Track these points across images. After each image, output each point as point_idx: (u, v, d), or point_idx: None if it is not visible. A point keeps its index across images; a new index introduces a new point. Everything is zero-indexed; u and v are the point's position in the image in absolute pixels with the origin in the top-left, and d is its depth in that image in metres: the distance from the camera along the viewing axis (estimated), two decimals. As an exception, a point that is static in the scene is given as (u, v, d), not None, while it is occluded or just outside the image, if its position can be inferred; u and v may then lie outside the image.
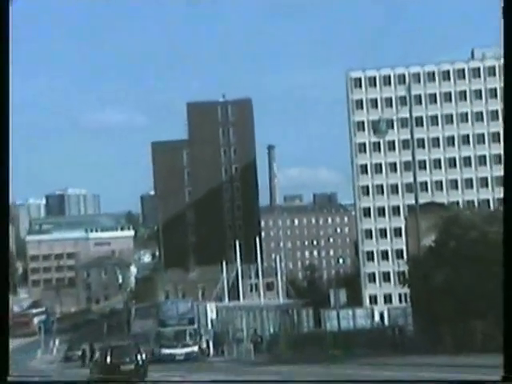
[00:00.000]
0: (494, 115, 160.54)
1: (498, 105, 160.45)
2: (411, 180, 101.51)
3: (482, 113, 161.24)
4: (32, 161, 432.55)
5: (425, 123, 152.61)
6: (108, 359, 50.86)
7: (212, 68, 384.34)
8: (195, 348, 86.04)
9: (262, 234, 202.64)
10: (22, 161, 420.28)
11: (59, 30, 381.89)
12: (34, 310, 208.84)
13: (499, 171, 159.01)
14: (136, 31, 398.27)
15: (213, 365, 74.15)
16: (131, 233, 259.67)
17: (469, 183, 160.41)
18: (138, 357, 51.00)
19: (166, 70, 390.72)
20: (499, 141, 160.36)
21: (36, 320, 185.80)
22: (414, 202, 76.34)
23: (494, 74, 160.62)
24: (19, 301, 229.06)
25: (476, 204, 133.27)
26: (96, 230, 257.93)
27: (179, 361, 79.02)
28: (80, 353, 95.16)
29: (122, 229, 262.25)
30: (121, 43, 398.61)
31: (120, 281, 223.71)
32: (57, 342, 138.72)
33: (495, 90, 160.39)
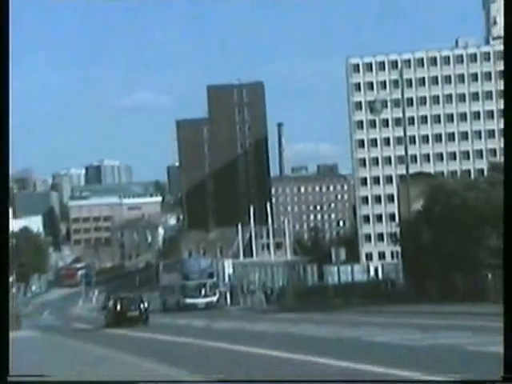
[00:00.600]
0: (475, 97, 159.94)
1: (478, 88, 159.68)
2: (403, 153, 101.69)
3: (464, 95, 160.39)
4: (73, 135, 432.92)
5: (415, 103, 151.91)
6: (118, 307, 56.23)
7: (225, 54, 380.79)
8: (214, 298, 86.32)
9: (273, 200, 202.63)
10: (63, 135, 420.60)
11: (95, 25, 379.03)
12: (78, 265, 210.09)
13: (480, 145, 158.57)
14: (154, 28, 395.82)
15: (229, 313, 74.38)
16: (159, 199, 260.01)
17: (452, 156, 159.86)
18: (141, 306, 56.53)
19: (184, 56, 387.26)
20: (479, 118, 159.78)
21: (79, 273, 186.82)
22: (405, 172, 76.21)
23: (476, 60, 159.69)
24: (63, 257, 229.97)
25: (459, 174, 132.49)
26: (128, 197, 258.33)
27: (200, 309, 79.25)
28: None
29: (151, 195, 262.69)
30: (149, 37, 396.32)
31: (149, 240, 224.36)
32: (96, 293, 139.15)
33: (476, 74, 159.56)
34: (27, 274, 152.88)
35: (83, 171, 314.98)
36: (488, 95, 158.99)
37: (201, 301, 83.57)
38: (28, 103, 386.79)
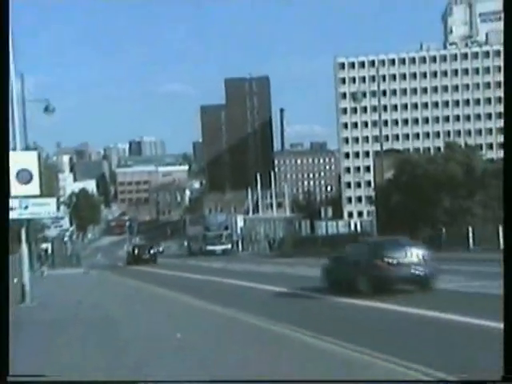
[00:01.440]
0: (435, 90, 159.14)
1: (438, 82, 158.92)
2: (377, 133, 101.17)
3: (426, 88, 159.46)
4: (120, 116, 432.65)
5: (388, 94, 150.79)
6: (135, 252, 66.78)
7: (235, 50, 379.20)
8: (229, 246, 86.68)
9: (275, 169, 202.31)
10: (113, 116, 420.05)
11: (132, 20, 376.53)
12: (124, 218, 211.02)
13: (438, 128, 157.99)
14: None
15: (240, 257, 74.65)
16: (186, 168, 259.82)
17: (416, 136, 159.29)
18: (151, 251, 67.44)
19: (203, 54, 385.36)
20: (437, 107, 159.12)
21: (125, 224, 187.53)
22: (379, 148, 75.98)
23: (435, 61, 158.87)
24: (112, 212, 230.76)
25: (421, 150, 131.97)
26: (162, 166, 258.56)
27: (218, 254, 79.58)
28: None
29: (180, 165, 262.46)
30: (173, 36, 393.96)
31: (178, 200, 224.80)
32: (137, 240, 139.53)
33: (435, 72, 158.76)
34: (84, 225, 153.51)
35: (127, 145, 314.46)
36: (445, 88, 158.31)
37: (218, 247, 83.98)
38: (83, 91, 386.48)
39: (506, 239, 4.36)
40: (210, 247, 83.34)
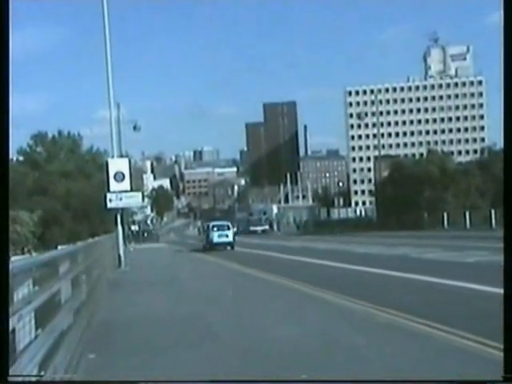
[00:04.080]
0: (419, 110, 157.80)
1: (421, 105, 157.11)
2: (377, 142, 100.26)
3: (412, 109, 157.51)
4: (186, 132, 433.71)
5: (384, 113, 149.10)
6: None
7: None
8: (267, 227, 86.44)
9: (300, 170, 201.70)
10: (181, 132, 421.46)
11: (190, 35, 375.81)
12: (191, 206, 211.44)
13: (421, 138, 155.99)
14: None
15: (276, 235, 74.61)
16: (235, 169, 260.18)
17: (405, 145, 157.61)
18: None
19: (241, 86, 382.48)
20: (420, 123, 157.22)
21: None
22: (377, 154, 75.49)
23: (418, 89, 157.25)
24: (181, 202, 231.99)
25: (409, 156, 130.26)
26: (218, 168, 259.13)
27: (258, 233, 79.56)
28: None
29: (230, 167, 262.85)
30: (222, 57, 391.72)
31: (229, 193, 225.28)
32: (199, 223, 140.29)
33: (419, 97, 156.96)
34: (161, 212, 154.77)
35: (192, 153, 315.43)
36: (426, 109, 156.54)
37: (259, 228, 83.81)
38: (160, 113, 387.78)
39: (506, 239, 3.77)
40: (252, 228, 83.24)
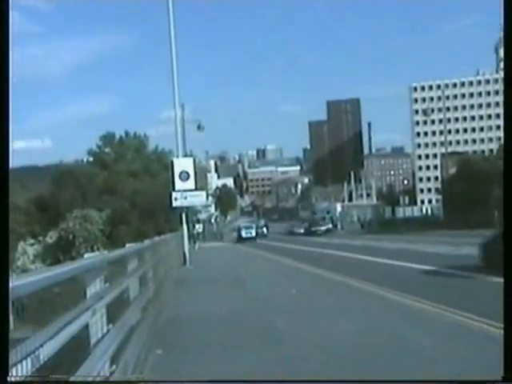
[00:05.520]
0: (489, 105, 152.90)
1: (491, 99, 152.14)
2: (443, 139, 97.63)
3: (481, 104, 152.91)
4: (251, 132, 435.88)
5: (451, 109, 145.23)
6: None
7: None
8: (330, 226, 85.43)
9: (364, 168, 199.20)
10: (246, 132, 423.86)
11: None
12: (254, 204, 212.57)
13: (491, 134, 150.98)
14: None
15: (339, 234, 73.92)
16: (298, 168, 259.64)
17: (473, 141, 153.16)
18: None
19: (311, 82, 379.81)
20: (490, 118, 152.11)
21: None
22: (444, 151, 73.65)
23: (489, 83, 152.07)
24: (245, 201, 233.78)
25: (479, 152, 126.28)
26: (281, 166, 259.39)
27: (322, 232, 78.81)
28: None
29: (293, 165, 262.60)
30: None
31: (293, 192, 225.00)
32: (262, 221, 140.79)
33: (489, 91, 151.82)
34: (225, 210, 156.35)
35: (255, 152, 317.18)
36: (496, 104, 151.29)
37: (322, 228, 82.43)
38: (223, 113, 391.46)
39: (506, 239, 3.73)
40: (314, 228, 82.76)
